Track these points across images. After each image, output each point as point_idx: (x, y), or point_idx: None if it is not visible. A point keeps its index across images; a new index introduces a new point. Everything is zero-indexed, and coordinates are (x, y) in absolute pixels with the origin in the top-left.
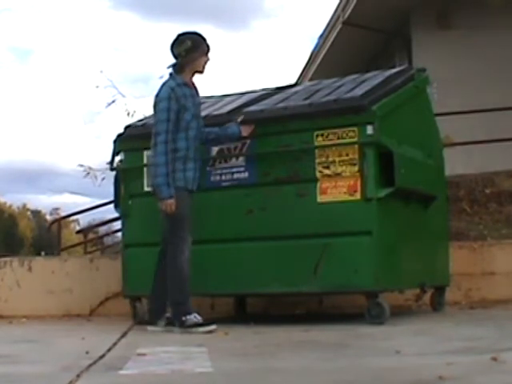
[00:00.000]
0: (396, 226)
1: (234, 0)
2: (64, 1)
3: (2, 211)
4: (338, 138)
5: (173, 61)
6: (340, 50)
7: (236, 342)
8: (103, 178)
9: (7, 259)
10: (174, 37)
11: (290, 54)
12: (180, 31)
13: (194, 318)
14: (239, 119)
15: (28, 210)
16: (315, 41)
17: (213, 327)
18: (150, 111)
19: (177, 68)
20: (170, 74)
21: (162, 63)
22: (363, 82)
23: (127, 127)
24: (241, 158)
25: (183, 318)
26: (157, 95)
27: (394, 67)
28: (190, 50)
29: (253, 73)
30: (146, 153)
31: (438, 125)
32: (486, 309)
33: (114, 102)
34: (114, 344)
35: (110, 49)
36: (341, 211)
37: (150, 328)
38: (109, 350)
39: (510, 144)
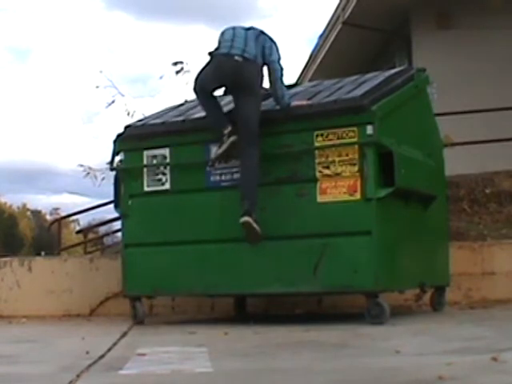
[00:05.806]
0: (396, 226)
1: (228, 0)
2: (58, 2)
3: (2, 211)
4: (338, 138)
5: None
6: (340, 49)
7: (236, 342)
8: (103, 178)
9: (7, 259)
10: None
11: (285, 55)
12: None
13: None
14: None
15: (28, 209)
16: (311, 41)
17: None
18: (148, 111)
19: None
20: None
21: (158, 63)
22: (363, 82)
23: (127, 127)
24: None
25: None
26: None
27: (393, 67)
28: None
29: None
30: (145, 153)
31: (438, 125)
32: (486, 309)
33: (113, 102)
34: (114, 344)
35: (105, 49)
36: (341, 211)
37: (244, 219)
38: (109, 350)
39: (510, 144)
